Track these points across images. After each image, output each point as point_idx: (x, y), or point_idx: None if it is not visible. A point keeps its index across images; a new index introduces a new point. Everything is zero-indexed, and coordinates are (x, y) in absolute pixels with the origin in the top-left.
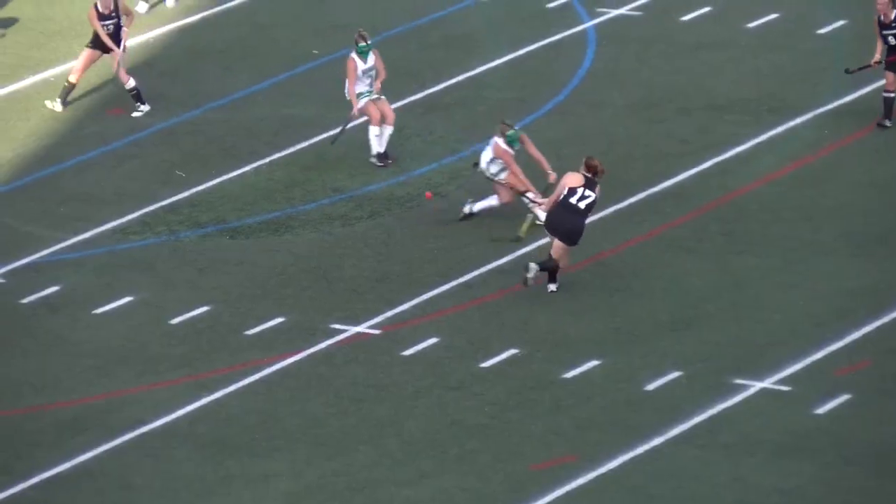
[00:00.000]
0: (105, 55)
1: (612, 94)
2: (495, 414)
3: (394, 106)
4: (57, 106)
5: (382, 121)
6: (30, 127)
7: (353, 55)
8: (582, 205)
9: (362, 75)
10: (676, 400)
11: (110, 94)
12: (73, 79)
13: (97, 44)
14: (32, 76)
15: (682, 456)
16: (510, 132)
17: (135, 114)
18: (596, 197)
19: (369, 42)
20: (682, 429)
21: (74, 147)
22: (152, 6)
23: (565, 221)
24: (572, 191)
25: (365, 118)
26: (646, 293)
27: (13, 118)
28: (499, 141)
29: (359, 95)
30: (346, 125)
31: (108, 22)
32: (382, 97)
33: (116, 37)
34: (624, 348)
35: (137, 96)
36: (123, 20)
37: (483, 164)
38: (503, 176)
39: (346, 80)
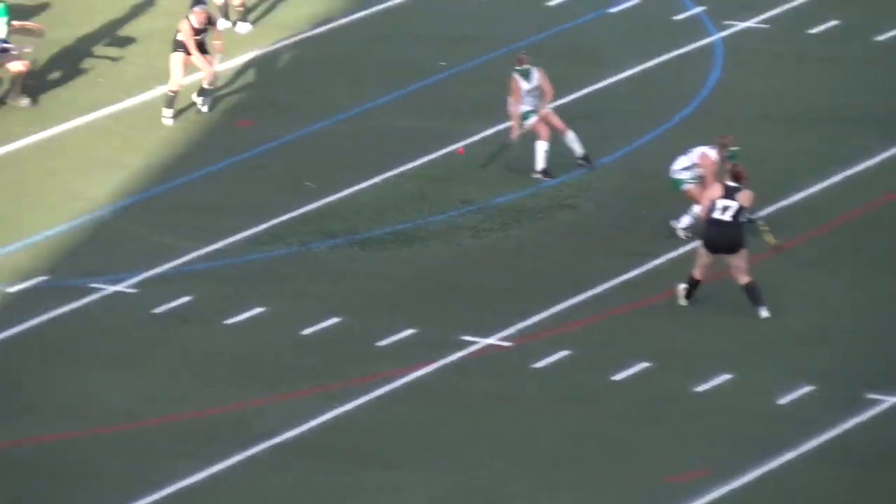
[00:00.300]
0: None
1: (740, 106)
2: (628, 427)
3: None
4: (205, 106)
5: (556, 132)
6: (160, 137)
7: (516, 75)
8: (727, 216)
9: (526, 95)
10: (809, 414)
11: (239, 105)
12: (175, 87)
13: (180, 46)
14: (161, 87)
15: (816, 471)
16: (734, 149)
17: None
18: (741, 203)
19: (527, 66)
20: (816, 444)
21: (204, 157)
22: (283, 17)
23: (720, 237)
24: (715, 204)
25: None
26: (778, 307)
27: (143, 128)
28: (709, 152)
29: (525, 115)
30: (503, 147)
31: (200, 36)
32: (549, 110)
33: (203, 48)
34: (756, 362)
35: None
36: (211, 33)
37: (676, 167)
38: (689, 186)
39: (510, 99)
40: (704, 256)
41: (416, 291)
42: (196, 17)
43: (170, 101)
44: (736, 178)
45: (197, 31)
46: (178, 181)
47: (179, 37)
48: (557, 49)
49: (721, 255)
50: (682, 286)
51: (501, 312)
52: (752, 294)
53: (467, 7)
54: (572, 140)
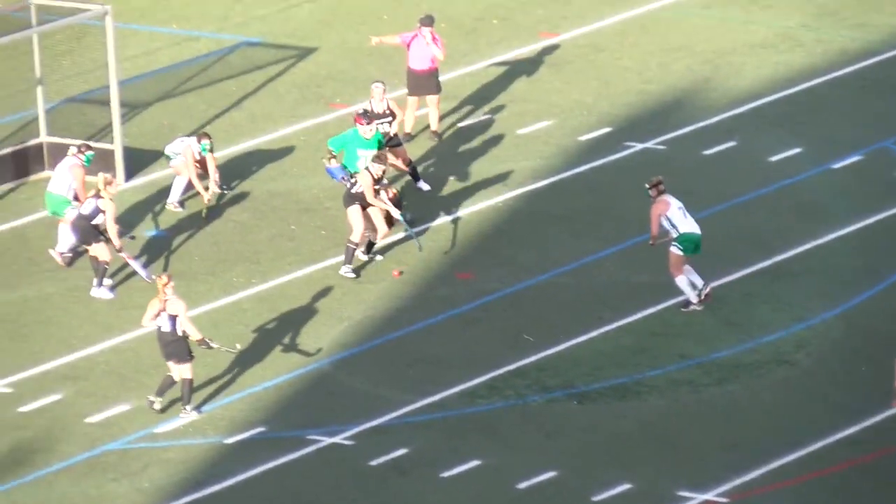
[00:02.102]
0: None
1: None
2: None
3: (741, 273)
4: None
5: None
6: (380, 289)
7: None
8: None
9: None
10: None
11: (459, 257)
12: (356, 239)
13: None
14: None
15: None
16: None
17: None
18: None
19: None
20: None
21: (423, 310)
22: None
23: None
24: None
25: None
26: None
27: (365, 280)
28: None
29: None
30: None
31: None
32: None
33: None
34: None
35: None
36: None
37: None
38: None
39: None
40: None
41: (633, 446)
42: (375, 170)
43: (350, 254)
44: None
45: (376, 182)
46: (398, 333)
47: (356, 189)
48: (780, 205)
49: None
50: None
51: (718, 468)
52: None
53: (692, 161)
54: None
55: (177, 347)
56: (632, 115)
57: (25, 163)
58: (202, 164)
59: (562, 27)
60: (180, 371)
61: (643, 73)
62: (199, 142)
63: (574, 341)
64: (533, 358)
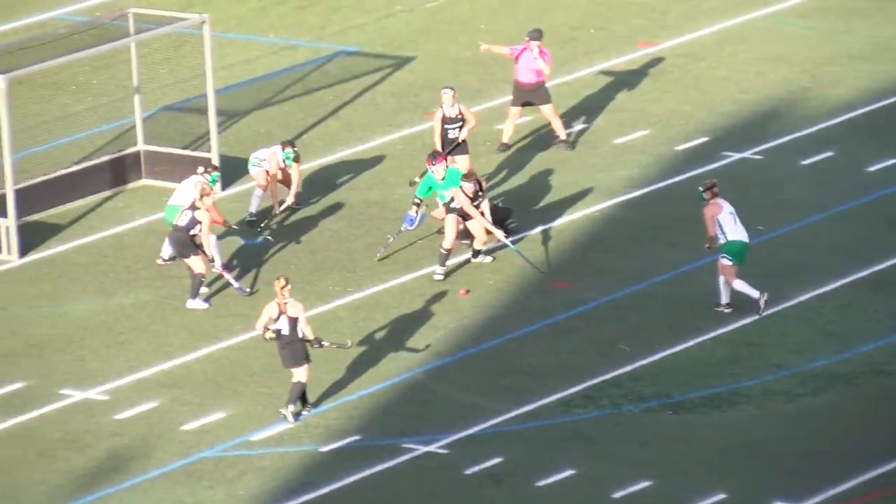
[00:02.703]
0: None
1: None
2: None
3: (837, 284)
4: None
5: None
6: (475, 298)
7: None
8: None
9: None
10: None
11: (554, 267)
12: (448, 246)
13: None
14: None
15: None
16: None
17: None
18: None
19: None
20: None
21: (518, 319)
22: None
23: None
24: None
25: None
26: None
27: (459, 288)
28: None
29: None
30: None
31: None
32: None
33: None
34: None
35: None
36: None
37: None
38: None
39: None
40: None
41: (728, 456)
42: (467, 187)
43: (442, 259)
44: None
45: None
46: (493, 342)
47: (454, 204)
48: (877, 213)
49: None
50: None
51: (813, 479)
52: None
53: (789, 171)
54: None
55: (295, 350)
56: (729, 125)
57: (123, 171)
58: (284, 174)
59: (660, 37)
60: (295, 373)
61: (740, 82)
62: (283, 149)
63: (669, 351)
64: (628, 368)
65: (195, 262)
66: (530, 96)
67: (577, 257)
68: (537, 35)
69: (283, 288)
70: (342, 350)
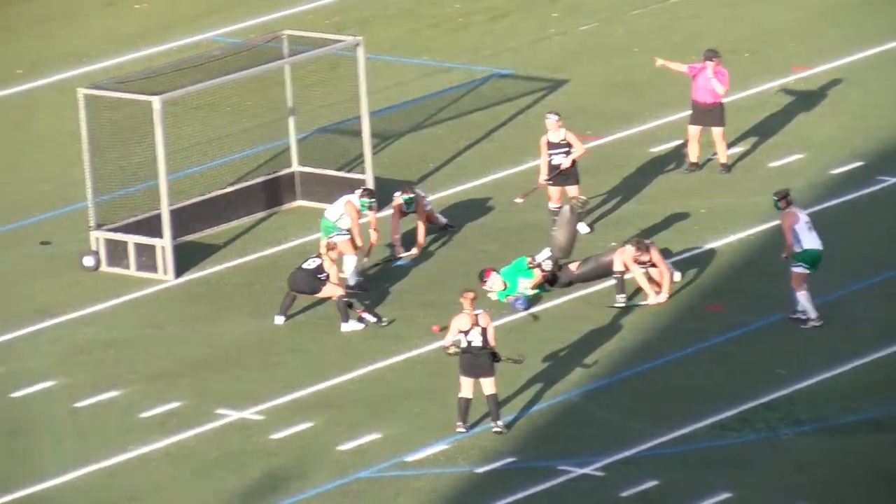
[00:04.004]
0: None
1: None
2: None
3: None
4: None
5: None
6: (631, 321)
7: None
8: None
9: None
10: None
11: (710, 290)
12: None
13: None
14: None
15: None
16: None
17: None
18: None
19: None
20: None
21: (674, 342)
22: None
23: None
24: None
25: None
26: None
27: (614, 311)
28: None
29: None
30: None
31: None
32: None
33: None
34: None
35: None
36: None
37: None
38: None
39: None
40: None
41: (886, 481)
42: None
43: (620, 286)
44: None
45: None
46: (648, 365)
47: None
48: None
49: None
50: None
51: None
52: None
53: None
54: None
55: (485, 361)
56: (885, 150)
57: (277, 192)
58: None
59: (814, 61)
60: (486, 386)
61: None
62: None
63: (826, 375)
64: (785, 391)
65: (329, 290)
66: (706, 116)
67: (732, 280)
68: (711, 55)
69: (472, 300)
70: (517, 366)
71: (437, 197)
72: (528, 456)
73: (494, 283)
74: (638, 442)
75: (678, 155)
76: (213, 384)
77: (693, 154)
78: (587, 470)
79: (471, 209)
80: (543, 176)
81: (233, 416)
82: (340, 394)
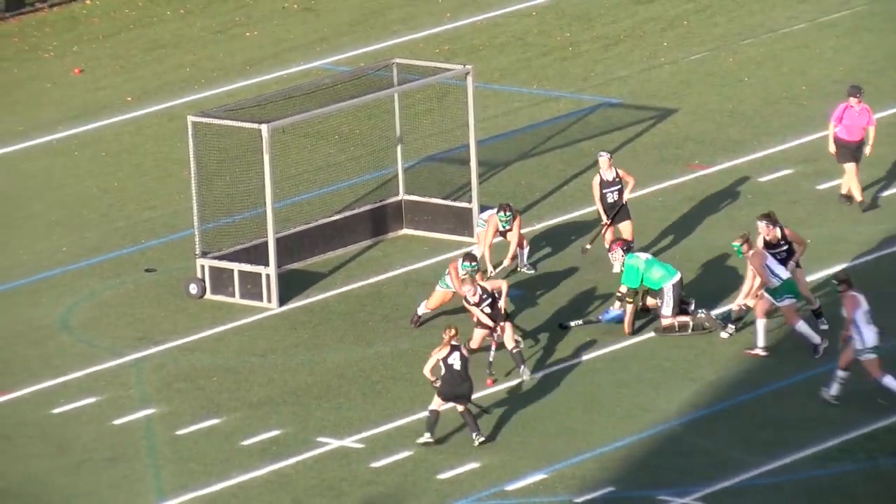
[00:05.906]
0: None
1: None
2: None
3: None
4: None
5: None
6: (732, 351)
7: None
8: None
9: None
10: None
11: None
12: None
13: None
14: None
15: None
16: None
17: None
18: None
19: None
20: None
21: (775, 372)
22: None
23: None
24: None
25: None
26: None
27: (717, 341)
28: None
29: None
30: None
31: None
32: None
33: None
34: None
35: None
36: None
37: None
38: None
39: None
40: None
41: None
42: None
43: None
44: None
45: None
46: (749, 395)
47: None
48: None
49: None
50: None
51: None
52: None
53: None
54: None
55: (466, 389)
56: None
57: (384, 221)
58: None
59: None
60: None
61: None
62: (497, 212)
63: None
64: (885, 421)
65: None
66: (856, 152)
67: (836, 310)
68: (854, 91)
69: (452, 337)
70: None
71: (543, 226)
72: (627, 485)
73: (617, 258)
74: (738, 472)
75: (787, 183)
76: (314, 412)
77: (858, 192)
78: (687, 500)
79: (576, 236)
80: (604, 218)
81: (333, 444)
82: (441, 422)
